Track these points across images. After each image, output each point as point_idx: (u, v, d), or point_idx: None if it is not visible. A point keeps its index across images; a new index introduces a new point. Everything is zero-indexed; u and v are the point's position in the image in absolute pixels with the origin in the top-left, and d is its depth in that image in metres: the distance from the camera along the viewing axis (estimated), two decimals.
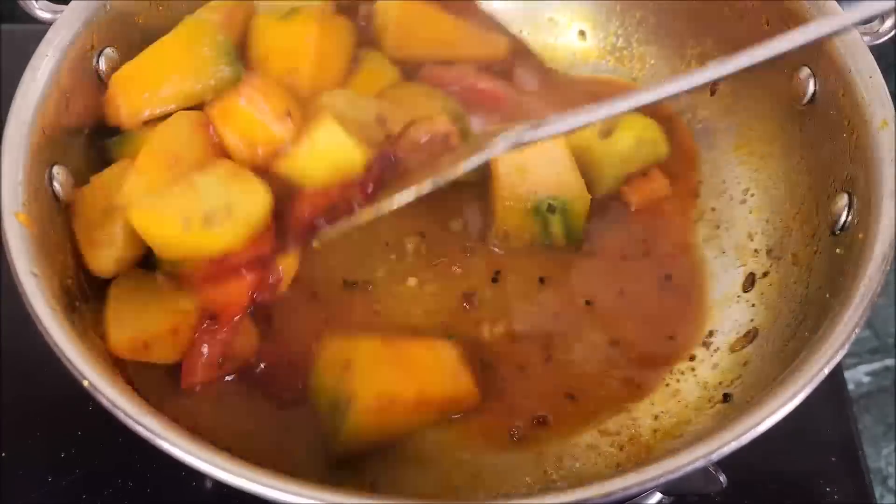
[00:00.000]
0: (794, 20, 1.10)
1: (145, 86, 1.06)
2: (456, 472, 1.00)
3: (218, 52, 1.07)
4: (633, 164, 1.19)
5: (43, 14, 1.09)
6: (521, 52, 1.30)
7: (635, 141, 1.17)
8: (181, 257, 0.98)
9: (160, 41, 1.08)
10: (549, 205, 1.11)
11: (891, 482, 1.49)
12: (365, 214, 1.01)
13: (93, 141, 1.09)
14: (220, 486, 0.79)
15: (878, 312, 1.32)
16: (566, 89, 1.30)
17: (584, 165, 1.14)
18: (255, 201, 0.98)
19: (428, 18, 1.22)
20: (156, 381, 0.99)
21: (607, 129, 1.16)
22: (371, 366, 0.98)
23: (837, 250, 0.99)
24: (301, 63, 1.12)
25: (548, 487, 0.99)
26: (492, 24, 1.28)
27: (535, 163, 1.11)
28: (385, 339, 1.02)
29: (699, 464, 0.79)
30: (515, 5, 1.36)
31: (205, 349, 1.01)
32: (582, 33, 1.35)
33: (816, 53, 1.07)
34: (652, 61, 1.32)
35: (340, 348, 1.01)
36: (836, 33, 0.93)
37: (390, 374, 0.98)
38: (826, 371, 0.85)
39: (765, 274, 1.13)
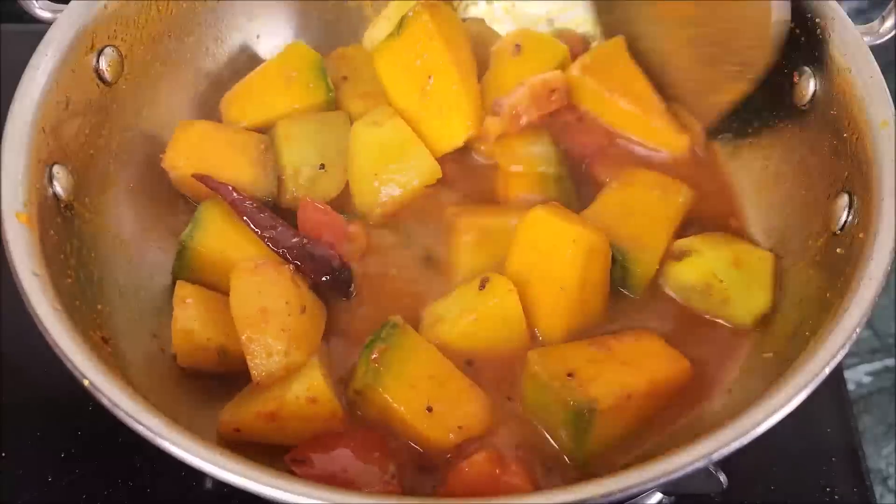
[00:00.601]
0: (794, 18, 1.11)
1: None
2: None
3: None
4: None
5: (43, 13, 1.09)
6: None
7: None
8: None
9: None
10: None
11: (891, 482, 1.49)
12: None
13: (93, 141, 1.09)
14: (220, 485, 0.79)
15: (879, 312, 1.32)
16: None
17: None
18: None
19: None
20: None
21: None
22: (596, 369, 0.97)
23: (838, 250, 0.99)
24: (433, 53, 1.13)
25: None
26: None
27: None
28: (591, 340, 1.02)
29: (699, 463, 0.79)
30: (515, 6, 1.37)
31: None
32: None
33: (817, 53, 1.07)
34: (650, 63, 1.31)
35: (553, 358, 0.99)
36: None
37: (617, 372, 0.97)
38: (827, 371, 0.85)
39: None
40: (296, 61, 1.22)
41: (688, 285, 1.08)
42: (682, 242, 1.10)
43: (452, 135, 1.16)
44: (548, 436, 0.99)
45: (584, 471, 0.96)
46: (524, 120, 1.19)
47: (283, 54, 1.23)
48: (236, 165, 1.13)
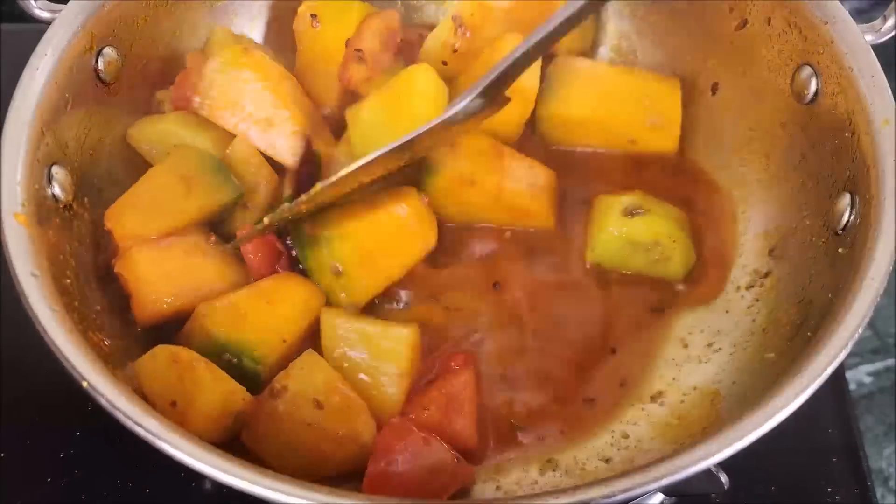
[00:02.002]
0: (795, 19, 1.10)
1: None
2: None
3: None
4: None
5: (42, 14, 1.09)
6: None
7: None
8: None
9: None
10: None
11: (892, 483, 1.49)
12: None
13: (92, 141, 1.09)
14: (219, 486, 0.79)
15: (880, 312, 1.32)
16: None
17: None
18: None
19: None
20: None
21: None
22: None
23: (840, 250, 0.99)
24: None
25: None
26: None
27: None
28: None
29: (702, 465, 0.79)
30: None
31: None
32: None
33: (818, 52, 1.07)
34: (655, 61, 1.32)
35: None
36: None
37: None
38: (828, 371, 0.85)
39: (767, 274, 1.12)
40: (187, 164, 1.10)
41: (635, 241, 1.13)
42: (629, 199, 1.14)
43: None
44: None
45: None
46: (384, 61, 1.21)
47: (170, 159, 1.11)
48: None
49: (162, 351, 0.97)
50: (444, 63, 1.22)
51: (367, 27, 1.20)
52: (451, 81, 1.18)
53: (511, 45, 1.08)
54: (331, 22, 1.22)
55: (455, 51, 1.21)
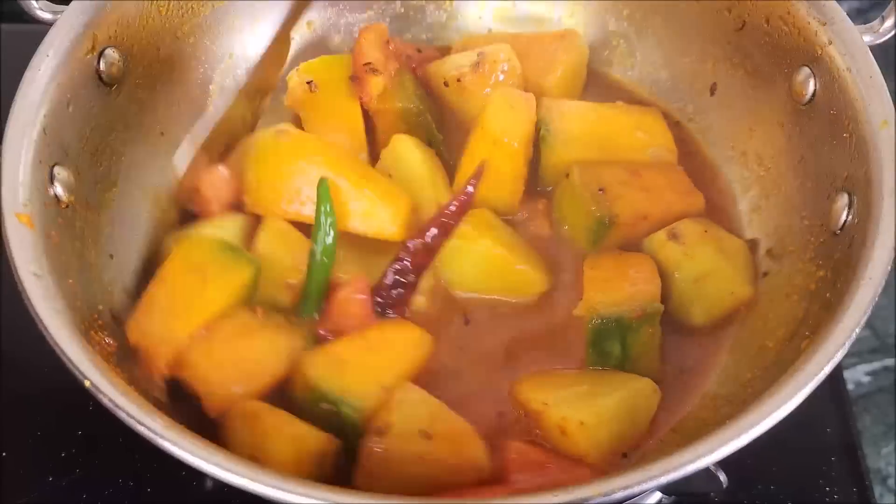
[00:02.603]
0: (794, 20, 1.11)
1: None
2: None
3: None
4: None
5: (43, 14, 1.09)
6: None
7: None
8: None
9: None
10: None
11: (891, 482, 1.49)
12: None
13: (94, 141, 1.09)
14: (220, 485, 0.79)
15: (878, 312, 1.32)
16: None
17: None
18: None
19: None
20: None
21: None
22: (623, 189, 1.13)
23: (838, 250, 0.99)
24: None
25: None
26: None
27: None
28: (625, 165, 1.17)
29: (700, 463, 0.79)
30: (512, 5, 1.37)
31: None
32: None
33: (816, 53, 1.08)
34: (653, 62, 1.32)
35: (590, 173, 1.14)
36: None
37: (639, 197, 1.13)
38: (826, 371, 0.85)
39: (765, 273, 1.13)
40: (194, 254, 1.05)
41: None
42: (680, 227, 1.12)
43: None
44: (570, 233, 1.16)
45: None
46: (391, 68, 1.22)
47: (176, 255, 1.06)
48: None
49: (234, 409, 0.97)
50: (445, 84, 1.23)
51: (365, 41, 1.21)
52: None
53: (497, 103, 1.15)
54: (328, 82, 1.22)
55: (459, 80, 1.22)
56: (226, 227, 1.11)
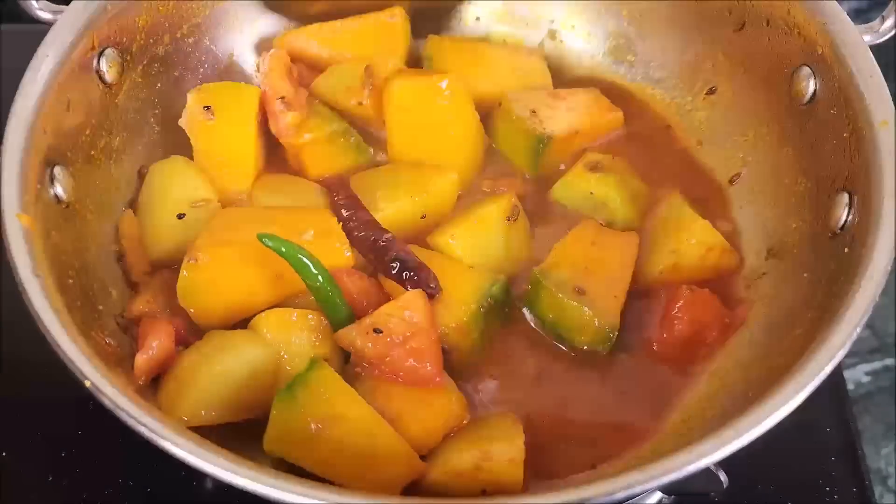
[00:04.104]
0: (794, 20, 1.11)
1: None
2: None
3: None
4: None
5: (43, 14, 1.10)
6: None
7: None
8: None
9: None
10: None
11: (891, 482, 1.49)
12: None
13: (94, 141, 1.09)
14: (220, 485, 0.79)
15: (878, 312, 1.32)
16: None
17: None
18: None
19: None
20: None
21: None
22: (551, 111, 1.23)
23: (838, 250, 0.99)
24: None
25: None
26: None
27: None
28: (549, 91, 1.28)
29: (700, 463, 0.79)
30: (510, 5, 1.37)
31: None
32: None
33: (817, 53, 1.08)
34: (653, 62, 1.32)
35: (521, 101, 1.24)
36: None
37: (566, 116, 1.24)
38: (827, 371, 0.85)
39: (765, 273, 1.13)
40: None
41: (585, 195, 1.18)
42: (597, 157, 1.20)
43: None
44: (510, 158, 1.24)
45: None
46: (302, 98, 1.20)
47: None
48: None
49: None
50: (360, 103, 1.21)
51: (274, 74, 1.18)
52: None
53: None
54: (225, 110, 1.15)
55: (361, 104, 1.21)
56: None
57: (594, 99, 1.27)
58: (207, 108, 1.14)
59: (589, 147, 1.24)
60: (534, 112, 1.22)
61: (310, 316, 1.02)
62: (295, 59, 1.24)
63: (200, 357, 0.98)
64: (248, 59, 1.29)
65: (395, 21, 1.28)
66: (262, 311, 1.02)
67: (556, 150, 1.21)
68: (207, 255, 1.00)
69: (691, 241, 1.12)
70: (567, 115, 1.23)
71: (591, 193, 1.18)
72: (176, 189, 1.12)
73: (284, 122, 1.17)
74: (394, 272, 1.04)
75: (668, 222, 1.15)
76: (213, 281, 1.01)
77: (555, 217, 1.20)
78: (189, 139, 1.16)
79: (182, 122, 1.16)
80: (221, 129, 1.15)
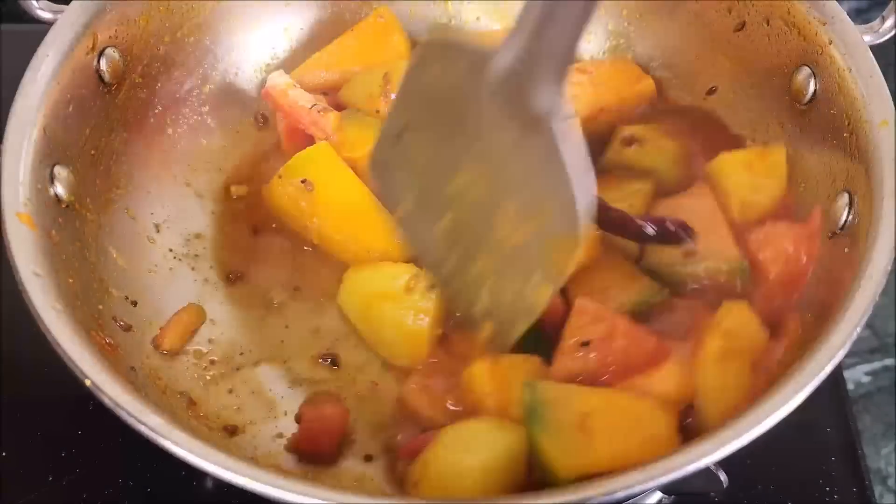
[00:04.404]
0: (794, 19, 1.11)
1: None
2: None
3: None
4: None
5: (44, 14, 1.09)
6: None
7: None
8: None
9: None
10: None
11: (891, 482, 1.49)
12: None
13: (94, 141, 1.09)
14: (220, 485, 0.79)
15: (878, 312, 1.32)
16: None
17: None
18: None
19: None
20: None
21: None
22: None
23: (838, 250, 0.99)
24: None
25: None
26: None
27: None
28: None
29: (700, 463, 0.79)
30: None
31: None
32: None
33: (817, 53, 1.08)
34: (653, 62, 1.32)
35: None
36: None
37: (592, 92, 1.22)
38: (827, 371, 0.85)
39: None
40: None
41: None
42: (630, 131, 1.19)
43: None
44: None
45: None
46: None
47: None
48: None
49: None
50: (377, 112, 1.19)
51: (287, 91, 1.17)
52: None
53: None
54: (320, 173, 1.13)
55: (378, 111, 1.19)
56: None
57: (622, 69, 1.26)
58: (304, 181, 1.12)
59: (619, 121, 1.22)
60: None
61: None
62: (310, 91, 1.22)
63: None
64: (248, 59, 1.29)
65: (386, 21, 1.27)
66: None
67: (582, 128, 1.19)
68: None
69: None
70: (593, 91, 1.22)
71: (633, 168, 1.17)
72: None
73: (328, 125, 1.16)
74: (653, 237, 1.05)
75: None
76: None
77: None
78: (190, 139, 1.17)
79: (277, 212, 1.15)
80: (322, 192, 1.12)
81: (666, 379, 0.97)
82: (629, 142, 1.19)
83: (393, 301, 1.05)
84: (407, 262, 1.08)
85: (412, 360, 1.05)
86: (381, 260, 1.10)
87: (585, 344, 0.98)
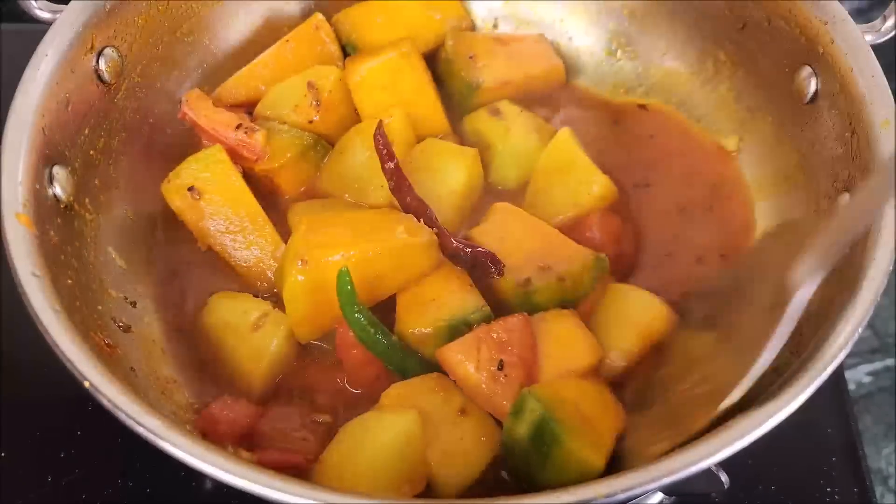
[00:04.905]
0: (795, 19, 1.11)
1: None
2: None
3: None
4: None
5: (43, 14, 1.09)
6: None
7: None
8: None
9: None
10: None
11: (891, 482, 1.49)
12: None
13: (93, 141, 1.09)
14: (219, 485, 0.79)
15: (879, 312, 1.32)
16: None
17: None
18: None
19: None
20: None
21: None
22: (490, 58, 1.29)
23: None
24: None
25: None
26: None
27: None
28: (496, 37, 1.32)
29: (702, 464, 0.79)
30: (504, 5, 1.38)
31: None
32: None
33: (818, 53, 1.07)
34: (654, 62, 1.32)
35: (463, 43, 1.29)
36: None
37: (504, 65, 1.29)
38: (828, 371, 0.85)
39: None
40: None
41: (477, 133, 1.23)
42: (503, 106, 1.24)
43: None
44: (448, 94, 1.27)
45: None
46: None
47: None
48: None
49: None
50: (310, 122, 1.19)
51: (207, 112, 1.15)
52: None
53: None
54: (209, 182, 1.11)
55: (311, 122, 1.18)
56: None
57: (537, 49, 1.31)
58: (191, 189, 1.10)
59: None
60: (472, 57, 1.26)
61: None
62: (241, 106, 1.21)
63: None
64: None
65: (320, 31, 1.25)
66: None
67: (485, 97, 1.25)
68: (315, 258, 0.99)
69: None
70: (504, 64, 1.27)
71: (480, 132, 1.23)
72: None
73: (257, 145, 1.14)
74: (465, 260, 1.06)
75: None
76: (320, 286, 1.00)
77: None
78: (189, 139, 1.16)
79: (175, 209, 1.12)
80: (210, 201, 1.11)
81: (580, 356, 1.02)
82: (495, 112, 1.23)
83: (235, 336, 1.05)
84: (273, 292, 1.09)
85: (247, 393, 1.04)
86: (256, 279, 1.11)
87: (500, 367, 0.99)
